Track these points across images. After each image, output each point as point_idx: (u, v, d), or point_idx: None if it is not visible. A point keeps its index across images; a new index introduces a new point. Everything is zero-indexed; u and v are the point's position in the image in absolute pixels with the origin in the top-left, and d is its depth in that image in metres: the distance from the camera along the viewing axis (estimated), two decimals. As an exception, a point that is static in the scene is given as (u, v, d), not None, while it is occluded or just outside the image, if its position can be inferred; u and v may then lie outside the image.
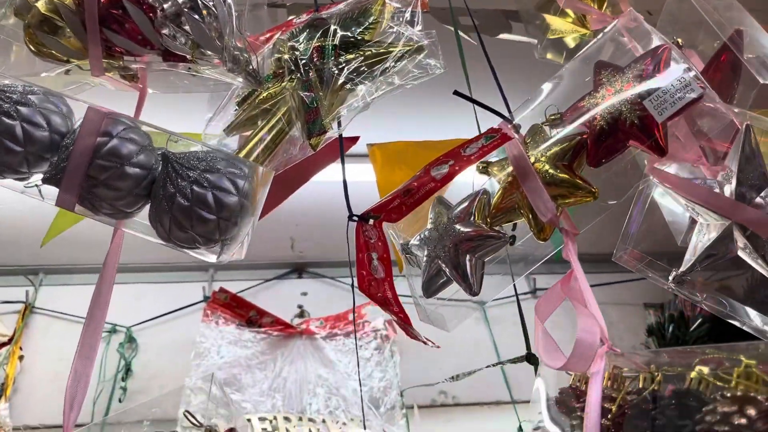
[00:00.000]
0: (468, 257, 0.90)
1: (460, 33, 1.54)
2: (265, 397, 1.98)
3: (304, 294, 2.47)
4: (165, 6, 0.93)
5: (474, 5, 1.75)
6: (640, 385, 0.71)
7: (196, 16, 0.92)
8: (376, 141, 1.76)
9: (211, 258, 0.83)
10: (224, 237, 0.83)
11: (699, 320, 2.20)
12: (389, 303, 0.84)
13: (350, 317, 2.19)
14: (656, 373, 0.69)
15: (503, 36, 1.59)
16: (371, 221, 0.87)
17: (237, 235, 0.85)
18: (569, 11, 1.34)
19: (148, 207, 0.84)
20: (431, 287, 0.94)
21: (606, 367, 0.68)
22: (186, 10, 0.92)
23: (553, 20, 1.38)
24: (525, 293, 2.48)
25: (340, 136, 0.98)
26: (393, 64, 0.96)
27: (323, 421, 1.89)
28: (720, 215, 0.74)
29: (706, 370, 0.66)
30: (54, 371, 2.23)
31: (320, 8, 1.14)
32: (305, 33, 1.02)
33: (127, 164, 0.81)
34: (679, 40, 1.17)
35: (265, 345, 2.13)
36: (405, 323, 0.81)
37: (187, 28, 0.93)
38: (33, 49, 1.00)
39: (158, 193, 0.81)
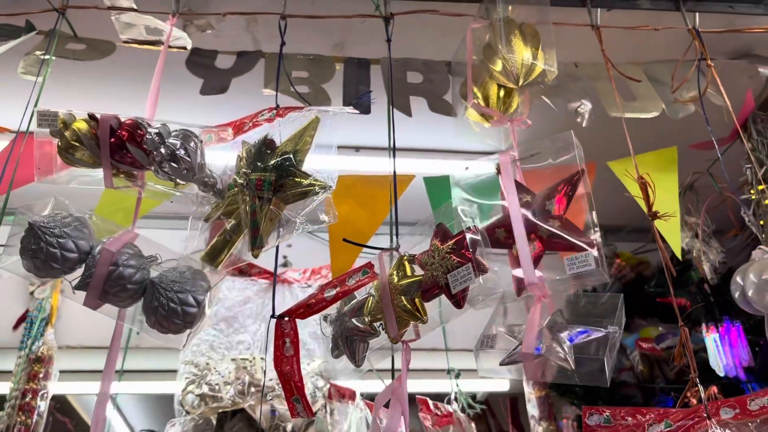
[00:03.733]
0: (356, 341, 1.35)
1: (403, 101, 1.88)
2: (253, 337, 2.50)
3: (289, 246, 2.93)
4: (154, 153, 1.33)
5: (422, 55, 2.07)
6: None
7: (174, 165, 1.32)
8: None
9: (179, 346, 1.31)
10: (190, 330, 1.30)
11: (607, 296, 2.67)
12: (293, 373, 1.31)
13: (323, 272, 2.67)
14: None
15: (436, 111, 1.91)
16: (286, 318, 1.33)
17: (198, 327, 1.32)
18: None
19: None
20: (334, 353, 1.41)
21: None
22: (167, 159, 1.32)
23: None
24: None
25: (276, 248, 1.41)
26: (311, 198, 1.37)
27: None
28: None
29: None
30: (87, 300, 2.78)
31: (278, 109, 1.52)
32: (252, 162, 1.40)
33: (128, 283, 1.26)
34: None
35: (254, 291, 2.63)
36: (300, 394, 1.28)
37: (167, 170, 1.33)
38: (63, 161, 1.41)
39: (147, 303, 1.27)
